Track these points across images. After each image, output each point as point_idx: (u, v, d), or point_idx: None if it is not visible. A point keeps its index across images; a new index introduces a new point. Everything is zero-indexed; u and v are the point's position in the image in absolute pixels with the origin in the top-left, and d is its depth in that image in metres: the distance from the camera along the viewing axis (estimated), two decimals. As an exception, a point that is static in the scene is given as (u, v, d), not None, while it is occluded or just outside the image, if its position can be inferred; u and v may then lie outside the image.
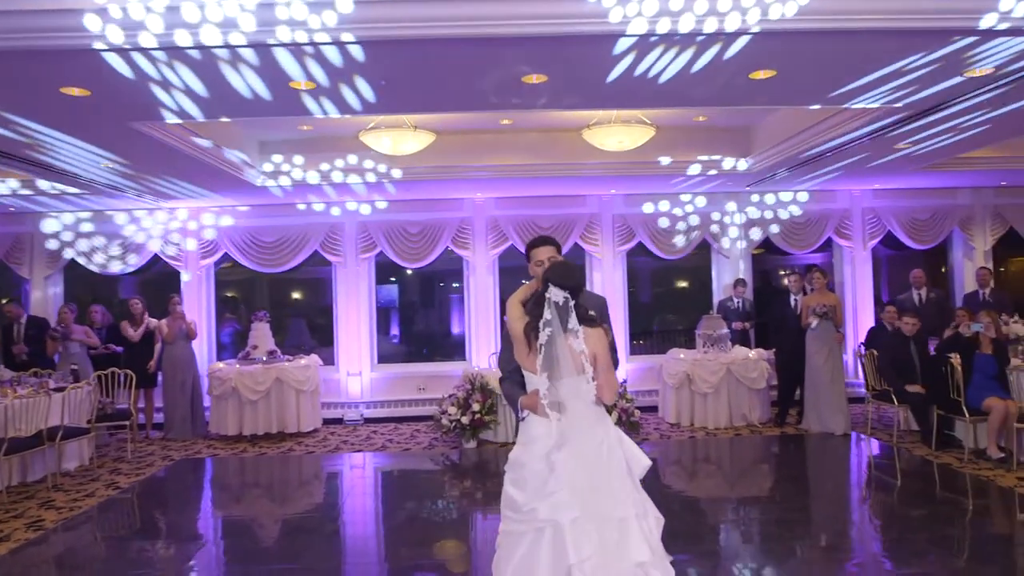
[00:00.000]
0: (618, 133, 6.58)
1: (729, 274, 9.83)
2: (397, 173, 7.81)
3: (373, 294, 9.75)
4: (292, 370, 8.42)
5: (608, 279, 9.75)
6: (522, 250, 9.22)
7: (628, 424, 7.84)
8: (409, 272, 11.01)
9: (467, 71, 4.44)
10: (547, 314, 2.95)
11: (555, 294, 2.96)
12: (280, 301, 11.54)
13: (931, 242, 9.88)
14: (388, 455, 7.68)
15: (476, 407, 7.67)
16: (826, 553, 4.78)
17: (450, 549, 5.09)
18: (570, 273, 3.04)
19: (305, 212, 9.42)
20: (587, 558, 2.78)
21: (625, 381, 8.72)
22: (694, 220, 9.69)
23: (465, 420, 7.66)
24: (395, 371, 9.71)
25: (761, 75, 4.60)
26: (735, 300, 9.30)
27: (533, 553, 2.90)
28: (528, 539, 2.94)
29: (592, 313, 3.16)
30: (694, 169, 8.03)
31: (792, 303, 8.47)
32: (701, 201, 9.69)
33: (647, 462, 2.98)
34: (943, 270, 10.70)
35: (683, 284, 12.21)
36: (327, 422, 9.20)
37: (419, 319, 11.67)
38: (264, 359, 8.55)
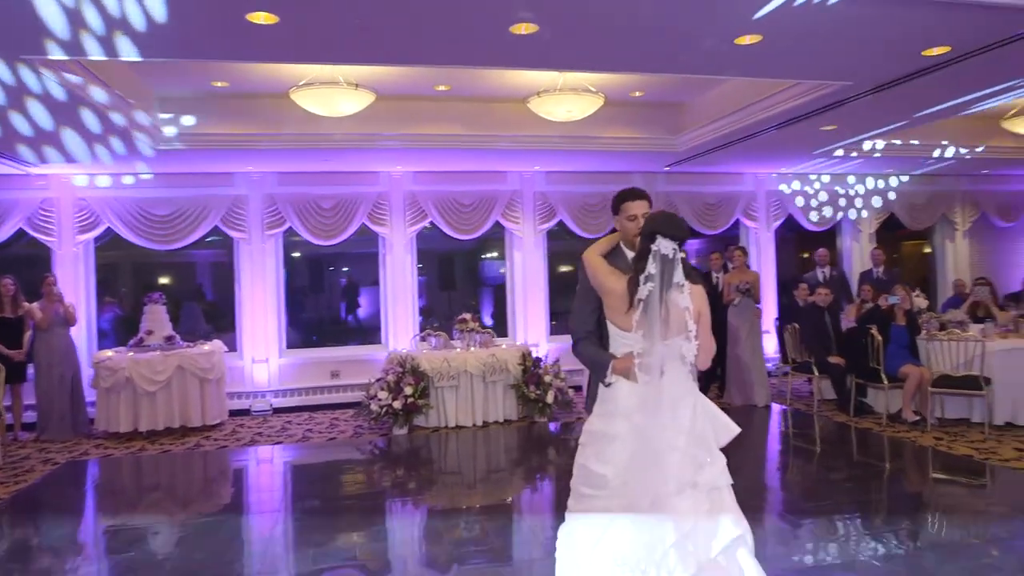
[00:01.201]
0: (568, 102, 6.36)
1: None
2: (310, 140, 7.17)
3: (281, 273, 8.97)
4: (195, 357, 7.55)
5: (529, 258, 9.56)
6: (442, 228, 9.08)
7: (560, 403, 7.71)
8: (297, 255, 10.22)
9: (453, 13, 4.03)
10: (651, 267, 2.67)
11: (664, 246, 2.67)
12: (151, 286, 10.33)
13: (828, 224, 10.52)
14: (310, 447, 7.06)
15: (408, 391, 7.22)
16: (755, 516, 4.77)
17: (381, 544, 4.61)
18: (679, 223, 2.77)
19: (205, 182, 8.47)
20: (688, 533, 2.54)
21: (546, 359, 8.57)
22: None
23: (397, 405, 7.19)
24: (306, 357, 9.01)
25: (747, 40, 4.55)
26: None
27: (623, 531, 2.61)
28: (617, 517, 2.64)
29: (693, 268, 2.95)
30: (626, 146, 8.00)
31: (714, 280, 8.68)
32: (627, 180, 9.71)
33: (736, 429, 2.77)
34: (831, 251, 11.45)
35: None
36: (233, 414, 8.36)
37: (308, 305, 10.90)
38: (161, 345, 7.60)
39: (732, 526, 2.62)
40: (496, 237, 9.95)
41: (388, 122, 7.32)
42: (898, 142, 8.71)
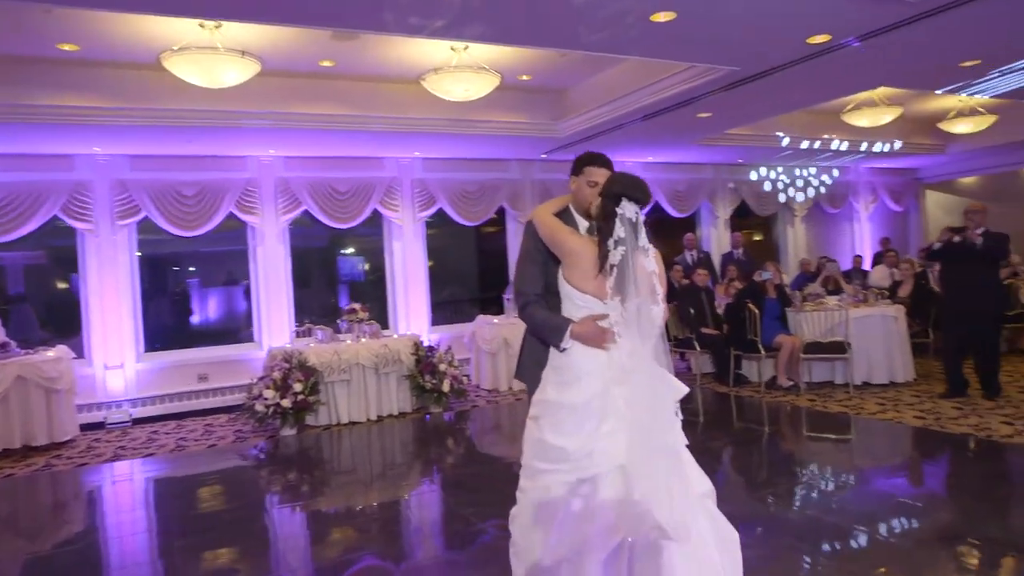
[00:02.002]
0: (466, 80, 6.19)
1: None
2: (168, 116, 6.47)
3: (136, 269, 8.02)
4: (39, 365, 6.54)
5: (409, 247, 9.27)
6: (318, 216, 8.55)
7: (456, 391, 7.54)
8: (139, 253, 9.21)
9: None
10: (619, 231, 2.61)
11: (628, 209, 2.63)
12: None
13: (688, 211, 11.15)
14: (187, 457, 6.35)
15: (298, 387, 6.71)
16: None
17: (272, 553, 4.20)
18: (644, 186, 2.71)
19: (41, 165, 7.36)
20: (655, 497, 2.43)
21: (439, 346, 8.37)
22: (496, 186, 9.66)
23: (286, 403, 6.66)
24: (168, 360, 8.11)
25: (661, 17, 4.64)
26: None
27: (590, 504, 2.53)
28: (581, 490, 2.56)
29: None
30: (511, 130, 7.97)
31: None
32: (504, 167, 9.69)
33: (685, 389, 2.76)
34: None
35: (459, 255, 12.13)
36: (84, 428, 7.34)
37: (168, 303, 9.88)
38: (-6, 353, 6.52)
39: (701, 480, 2.63)
40: (353, 233, 9.52)
41: (261, 99, 6.74)
42: (751, 133, 9.42)
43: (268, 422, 6.80)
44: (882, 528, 3.84)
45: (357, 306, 7.45)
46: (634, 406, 2.57)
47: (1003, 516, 4.01)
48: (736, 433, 6.35)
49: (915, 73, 6.58)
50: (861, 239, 12.85)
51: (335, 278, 10.11)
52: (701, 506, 2.59)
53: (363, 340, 7.35)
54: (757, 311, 7.46)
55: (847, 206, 12.65)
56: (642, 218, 2.66)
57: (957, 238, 6.31)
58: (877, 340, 7.33)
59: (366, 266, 10.39)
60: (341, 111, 7.12)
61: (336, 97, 7.11)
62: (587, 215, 2.90)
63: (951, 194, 13.12)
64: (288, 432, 6.79)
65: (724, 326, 8.11)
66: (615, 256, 2.59)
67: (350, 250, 10.44)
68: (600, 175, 2.85)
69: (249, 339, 8.65)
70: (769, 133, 9.56)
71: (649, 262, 2.64)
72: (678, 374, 8.29)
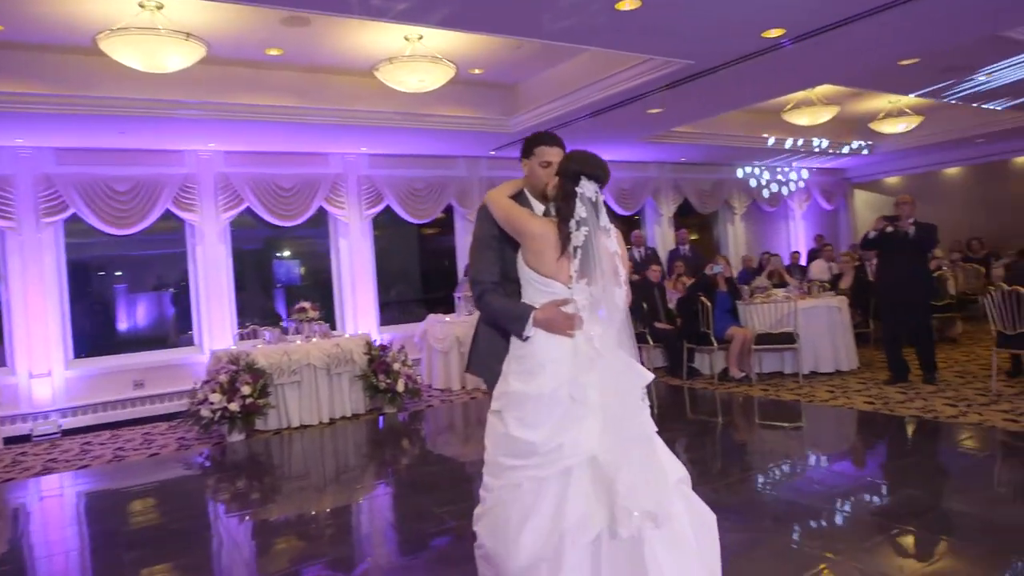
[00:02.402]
0: (421, 70, 6.05)
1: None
2: (99, 105, 6.09)
3: (63, 269, 7.51)
4: (-42, 373, 6.04)
5: (356, 245, 9.03)
6: (260, 214, 8.21)
7: (409, 391, 7.36)
8: (82, 248, 8.65)
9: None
10: (580, 211, 2.51)
11: (588, 188, 2.53)
12: None
13: (634, 209, 11.28)
14: (127, 468, 5.95)
15: (247, 390, 6.41)
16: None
17: (221, 565, 3.95)
18: (603, 163, 2.61)
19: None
20: (632, 487, 2.35)
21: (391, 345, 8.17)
22: (444, 183, 9.52)
23: (234, 407, 6.35)
24: (100, 367, 7.62)
25: (626, 5, 4.63)
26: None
27: (564, 498, 2.40)
28: (553, 484, 2.43)
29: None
30: (462, 125, 7.86)
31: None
32: (451, 164, 9.57)
33: (650, 375, 2.70)
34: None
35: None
36: (9, 442, 6.82)
37: (100, 306, 9.29)
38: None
39: (675, 466, 2.55)
40: (290, 235, 9.24)
41: (201, 88, 6.42)
42: (694, 131, 9.60)
43: (214, 428, 6.46)
44: (848, 508, 3.91)
45: (307, 305, 7.18)
46: (603, 393, 2.47)
47: (963, 492, 4.15)
48: (693, 424, 6.41)
49: (855, 71, 6.83)
50: (796, 236, 13.29)
51: (271, 282, 9.73)
52: (677, 491, 2.53)
53: (314, 340, 7.09)
54: (709, 304, 7.57)
55: (783, 205, 13.06)
56: (601, 197, 2.59)
57: (890, 228, 6.55)
58: (822, 331, 7.55)
59: (302, 269, 10.07)
60: (287, 102, 6.88)
61: (282, 88, 6.85)
62: (543, 197, 2.79)
63: (878, 193, 13.73)
64: (236, 438, 6.47)
65: (677, 320, 8.21)
66: (578, 237, 2.49)
67: (286, 253, 10.10)
68: (553, 154, 2.74)
69: (188, 343, 8.23)
70: (717, 132, 9.78)
71: (611, 242, 2.57)
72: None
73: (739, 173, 11.12)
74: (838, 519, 3.81)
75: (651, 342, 8.15)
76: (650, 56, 5.94)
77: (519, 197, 2.82)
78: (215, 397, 6.34)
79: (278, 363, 6.73)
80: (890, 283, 6.65)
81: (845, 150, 11.41)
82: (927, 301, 6.77)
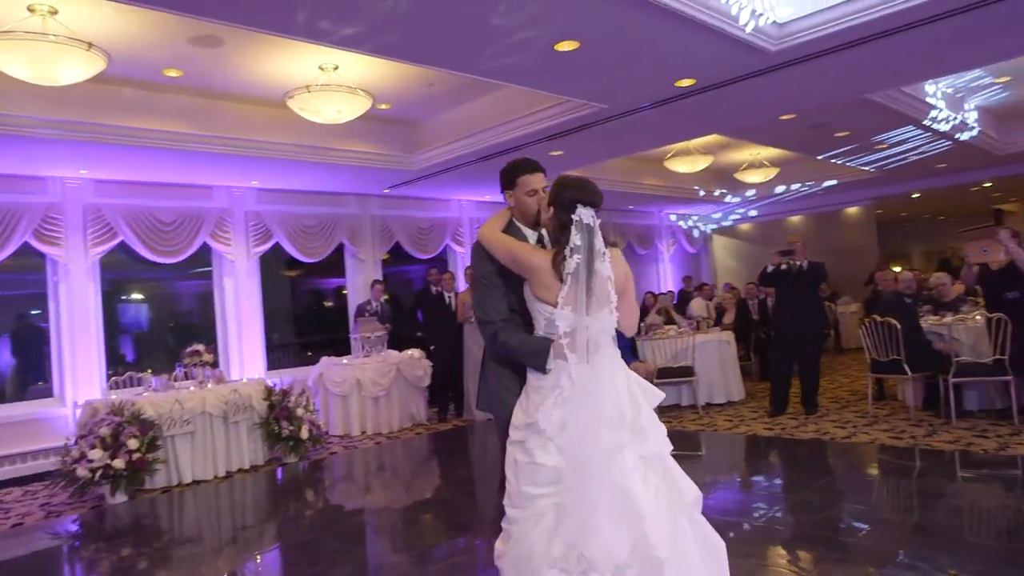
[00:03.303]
0: (339, 100, 5.87)
1: (363, 278, 9.57)
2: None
3: None
4: None
5: (243, 284, 8.45)
6: (137, 250, 7.45)
7: (313, 438, 6.91)
8: None
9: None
10: (576, 239, 2.52)
11: (584, 215, 2.54)
12: None
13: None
14: (-16, 540, 5.08)
15: (133, 444, 5.70)
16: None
17: None
18: (595, 188, 2.64)
19: None
20: (653, 508, 2.43)
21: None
22: (336, 220, 9.19)
23: (119, 464, 5.61)
24: (-65, 425, 6.49)
25: (565, 47, 4.78)
26: (374, 303, 9.07)
27: (589, 522, 2.40)
28: (577, 510, 2.43)
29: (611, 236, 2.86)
30: (365, 160, 7.68)
31: (446, 300, 8.75)
32: (341, 202, 9.27)
33: (661, 395, 2.76)
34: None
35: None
36: None
37: None
38: None
39: (690, 487, 2.62)
40: (134, 277, 8.55)
41: (74, 107, 5.79)
42: (583, 174, 9.99)
43: (91, 489, 5.68)
44: (772, 521, 4.14)
45: (200, 347, 6.57)
46: (577, 427, 2.49)
47: (868, 493, 4.52)
48: None
49: (743, 122, 7.47)
50: (664, 277, 14.11)
51: (116, 328, 8.76)
52: (687, 514, 2.57)
53: (209, 386, 6.48)
54: (612, 340, 7.79)
55: (653, 248, 13.86)
56: (597, 222, 2.59)
57: (785, 265, 7.13)
58: (715, 364, 8.02)
59: (151, 314, 9.24)
60: (177, 128, 6.36)
61: (173, 112, 6.35)
62: (534, 224, 2.78)
63: (733, 238, 14.96)
64: (119, 499, 5.71)
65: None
66: (570, 264, 2.51)
67: (138, 296, 9.23)
68: (536, 181, 2.73)
69: (46, 394, 7.23)
70: (601, 176, 10.21)
71: (605, 267, 2.57)
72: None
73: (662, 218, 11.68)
74: (804, 532, 3.99)
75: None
76: (568, 98, 6.14)
77: (510, 228, 2.78)
78: (95, 453, 5.58)
79: (168, 412, 6.07)
80: (786, 315, 7.19)
81: (733, 198, 12.32)
82: (820, 331, 7.38)
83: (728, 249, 14.89)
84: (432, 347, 8.79)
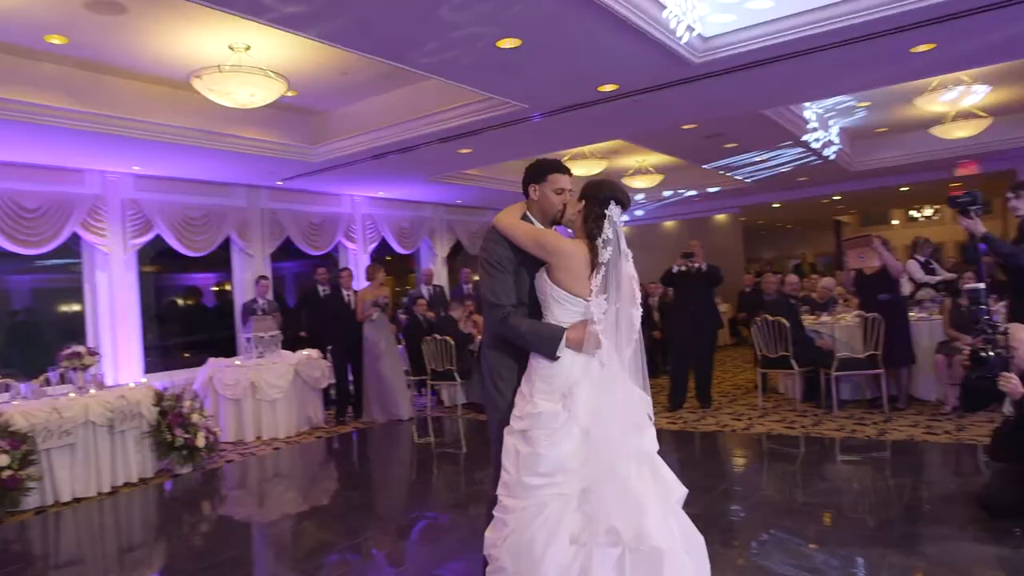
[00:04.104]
0: (253, 83, 5.46)
1: (250, 274, 9.00)
2: None
3: None
4: None
5: (119, 279, 7.68)
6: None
7: (208, 447, 6.40)
8: None
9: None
10: (608, 232, 2.67)
11: (615, 212, 2.70)
12: None
13: (413, 247, 11.30)
14: None
15: (4, 460, 5.01)
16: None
17: None
18: (627, 190, 2.84)
19: None
20: (654, 502, 2.53)
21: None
22: (223, 213, 8.58)
23: (-12, 484, 4.92)
24: None
25: (507, 44, 4.74)
26: (260, 300, 8.56)
27: (592, 512, 2.51)
28: (572, 503, 2.53)
29: None
30: (266, 149, 7.23)
31: (345, 298, 8.43)
32: (228, 192, 8.66)
33: (649, 399, 2.85)
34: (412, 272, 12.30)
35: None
36: None
37: None
38: None
39: (677, 485, 2.72)
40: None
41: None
42: (479, 174, 10.03)
43: (-49, 514, 4.92)
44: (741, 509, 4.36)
45: (82, 349, 5.87)
46: (602, 413, 2.60)
47: (801, 486, 4.88)
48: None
49: (648, 129, 7.78)
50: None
51: None
52: (674, 510, 2.67)
53: (92, 392, 5.81)
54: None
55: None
56: (623, 223, 2.76)
57: (684, 267, 7.49)
58: (614, 361, 8.28)
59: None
60: (50, 101, 5.65)
61: (49, 84, 5.65)
62: (550, 222, 2.90)
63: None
64: (-17, 524, 5.00)
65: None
66: (603, 255, 2.63)
67: None
68: (566, 182, 2.89)
69: None
70: (499, 177, 10.27)
71: (629, 267, 2.72)
72: (433, 407, 7.78)
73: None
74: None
75: (459, 379, 8.17)
76: (492, 96, 6.09)
77: (524, 220, 2.88)
78: (-43, 472, 4.85)
79: (44, 423, 5.38)
80: (685, 314, 7.56)
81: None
82: (714, 329, 7.83)
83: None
84: (330, 347, 8.43)
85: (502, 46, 4.76)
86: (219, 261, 9.12)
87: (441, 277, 11.72)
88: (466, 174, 9.66)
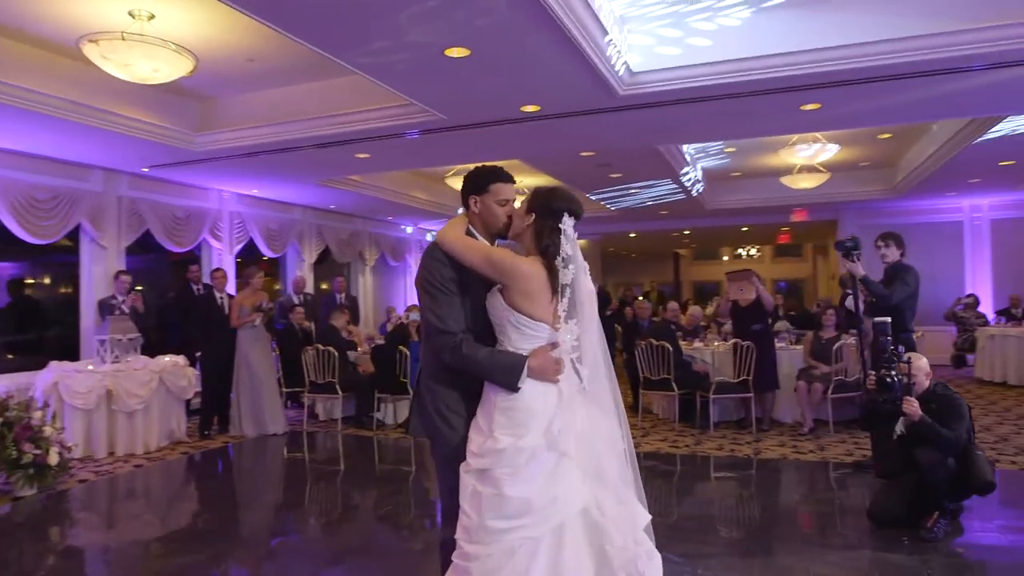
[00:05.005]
0: (158, 57, 4.92)
1: (102, 268, 8.03)
2: None
3: None
4: None
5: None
6: None
7: (60, 466, 5.59)
8: None
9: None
10: (566, 247, 2.42)
11: (568, 225, 2.45)
12: None
13: (280, 251, 10.65)
14: None
15: None
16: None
17: None
18: (577, 199, 2.56)
19: None
20: (624, 541, 2.38)
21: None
22: (75, 197, 7.58)
23: None
24: None
25: (456, 53, 4.66)
26: (119, 297, 7.66)
27: (560, 556, 2.29)
28: (547, 543, 2.30)
29: None
30: (142, 132, 6.51)
31: (218, 301, 7.77)
32: (84, 175, 7.69)
33: (616, 420, 2.66)
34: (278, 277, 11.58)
35: None
36: None
37: None
38: None
39: (643, 512, 2.58)
40: None
41: None
42: (362, 181, 9.74)
43: None
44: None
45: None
46: (583, 438, 2.42)
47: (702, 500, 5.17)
48: (372, 475, 6.40)
49: (548, 152, 7.96)
50: (412, 291, 14.22)
51: None
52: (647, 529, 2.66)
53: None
54: (408, 352, 7.67)
55: (403, 261, 13.89)
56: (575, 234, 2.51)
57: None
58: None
59: None
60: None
61: None
62: (494, 236, 2.66)
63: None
64: None
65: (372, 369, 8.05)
66: (566, 275, 2.42)
67: None
68: (510, 192, 2.62)
69: None
70: (378, 185, 10.02)
71: (587, 281, 2.53)
72: (308, 420, 7.63)
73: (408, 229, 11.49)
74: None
75: (340, 391, 7.80)
76: (414, 102, 5.93)
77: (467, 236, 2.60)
78: None
79: None
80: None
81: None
82: (608, 350, 8.09)
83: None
84: (198, 353, 7.70)
85: (450, 55, 4.67)
86: (36, 249, 7.90)
87: (308, 284, 11.18)
88: (351, 179, 9.32)
